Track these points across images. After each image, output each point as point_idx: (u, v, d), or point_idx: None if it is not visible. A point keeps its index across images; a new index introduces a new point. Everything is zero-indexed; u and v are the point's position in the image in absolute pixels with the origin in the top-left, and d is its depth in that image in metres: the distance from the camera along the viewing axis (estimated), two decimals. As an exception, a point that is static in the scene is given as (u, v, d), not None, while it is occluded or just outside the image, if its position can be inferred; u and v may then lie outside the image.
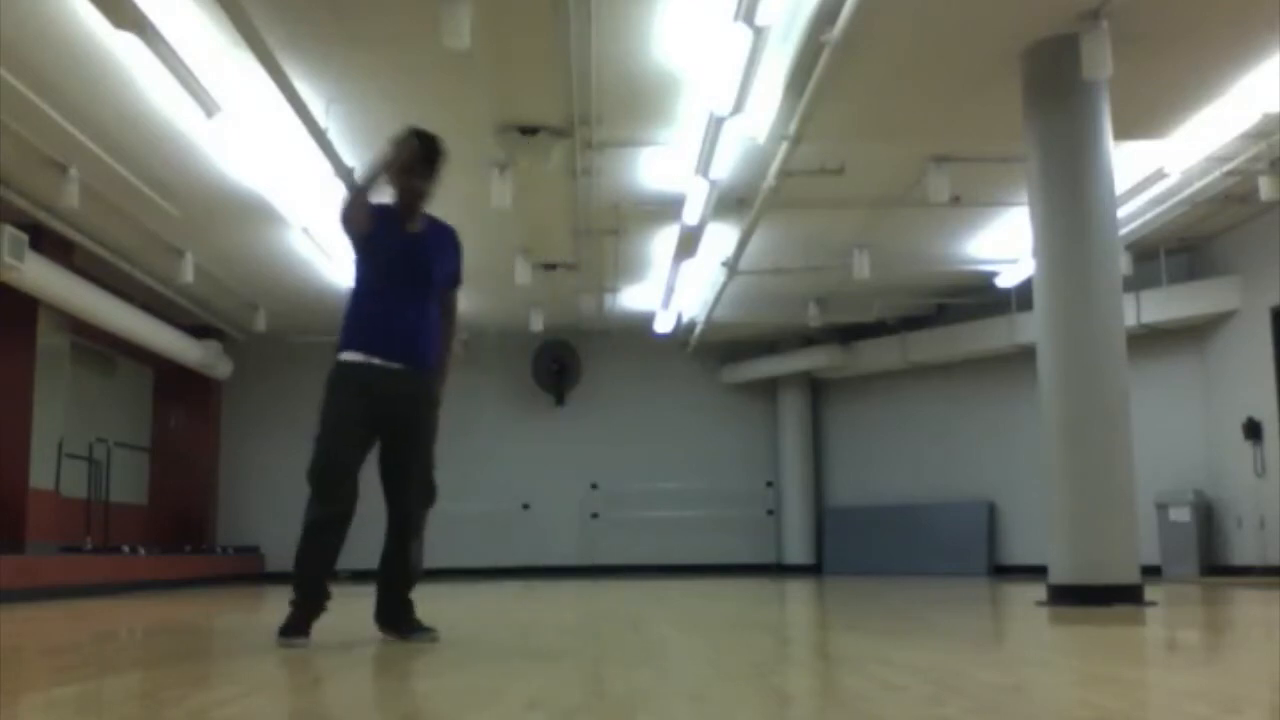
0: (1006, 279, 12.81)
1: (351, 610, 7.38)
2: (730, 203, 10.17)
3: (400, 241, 4.51)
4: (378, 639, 4.65)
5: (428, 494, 4.56)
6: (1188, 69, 7.86)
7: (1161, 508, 12.13)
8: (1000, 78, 7.69)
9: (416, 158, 4.49)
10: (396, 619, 4.56)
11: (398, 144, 4.49)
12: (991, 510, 14.89)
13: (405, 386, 4.42)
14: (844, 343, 16.07)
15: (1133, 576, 6.87)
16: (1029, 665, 3.75)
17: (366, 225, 4.49)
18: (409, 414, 4.45)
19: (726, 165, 8.86)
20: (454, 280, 4.71)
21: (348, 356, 4.42)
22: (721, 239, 11.25)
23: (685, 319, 15.09)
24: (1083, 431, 7.03)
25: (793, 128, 8.01)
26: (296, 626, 4.33)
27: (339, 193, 9.09)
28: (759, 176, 9.25)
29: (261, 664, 3.80)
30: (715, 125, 7.86)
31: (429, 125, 8.86)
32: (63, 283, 10.83)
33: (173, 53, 6.83)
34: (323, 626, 4.50)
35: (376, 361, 4.39)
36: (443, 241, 4.66)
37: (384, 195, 4.61)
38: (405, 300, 4.46)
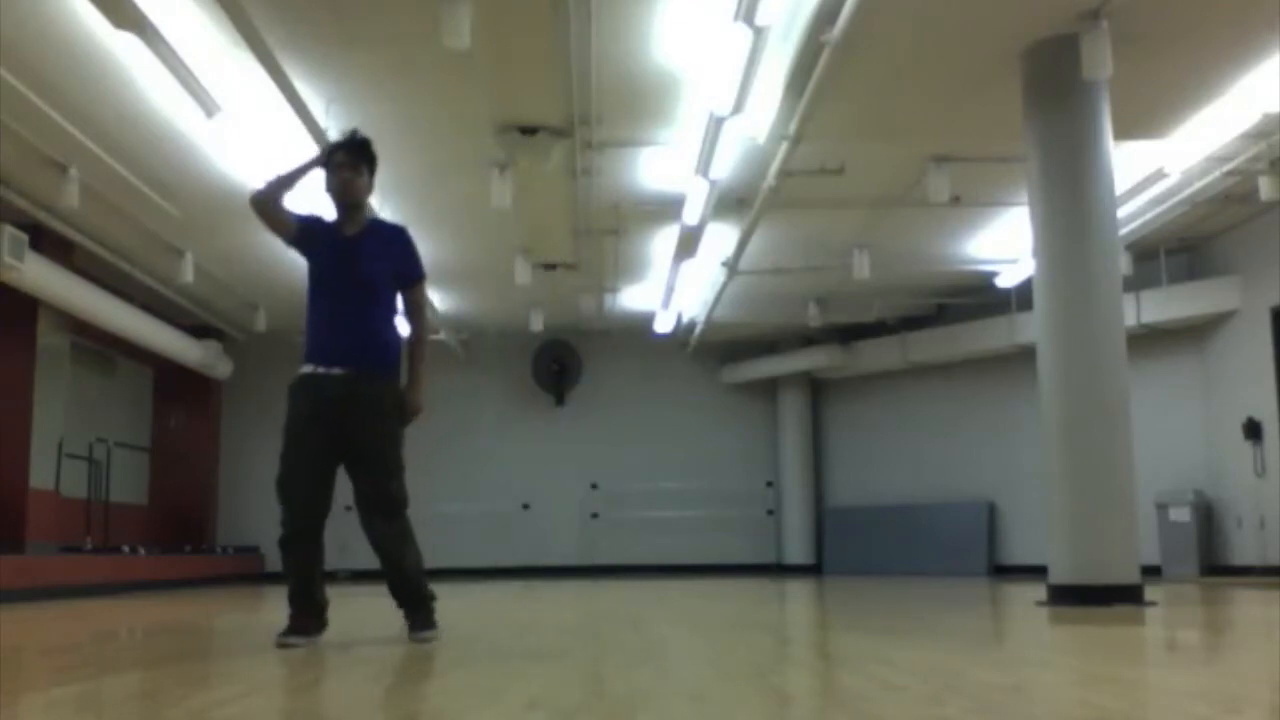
0: (1006, 279, 12.81)
1: (351, 610, 7.38)
2: (730, 203, 10.16)
3: (334, 247, 4.47)
4: (377, 639, 4.65)
5: (385, 503, 4.43)
6: (1188, 69, 7.86)
7: (1161, 508, 12.13)
8: (1000, 78, 7.69)
9: (328, 151, 4.56)
10: (408, 613, 4.53)
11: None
12: (991, 510, 14.89)
13: (348, 390, 4.35)
14: (844, 343, 16.07)
15: (1133, 576, 6.87)
16: (1029, 665, 3.75)
17: (283, 221, 4.53)
18: (354, 418, 4.35)
19: (726, 165, 8.85)
20: (407, 279, 4.60)
21: (301, 369, 4.47)
22: (721, 239, 11.25)
23: (685, 319, 15.09)
24: (1083, 431, 7.03)
25: (793, 128, 8.01)
26: (292, 629, 4.34)
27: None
28: (759, 176, 9.25)
29: (261, 664, 3.80)
30: (715, 125, 7.85)
31: (429, 125, 8.88)
32: (63, 283, 10.83)
33: (173, 53, 6.83)
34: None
35: (320, 370, 4.40)
36: (383, 242, 4.56)
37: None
38: (341, 304, 4.42)
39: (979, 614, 6.87)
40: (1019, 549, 14.23)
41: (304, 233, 4.52)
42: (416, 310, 4.66)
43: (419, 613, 4.49)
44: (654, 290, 13.46)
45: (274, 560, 16.18)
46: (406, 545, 4.49)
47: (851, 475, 16.67)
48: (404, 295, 4.62)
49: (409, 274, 4.61)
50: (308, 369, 4.44)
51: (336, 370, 4.39)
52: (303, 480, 4.34)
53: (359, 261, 4.45)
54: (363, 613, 7.22)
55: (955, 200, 9.60)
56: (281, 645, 4.22)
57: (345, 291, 4.43)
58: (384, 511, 4.45)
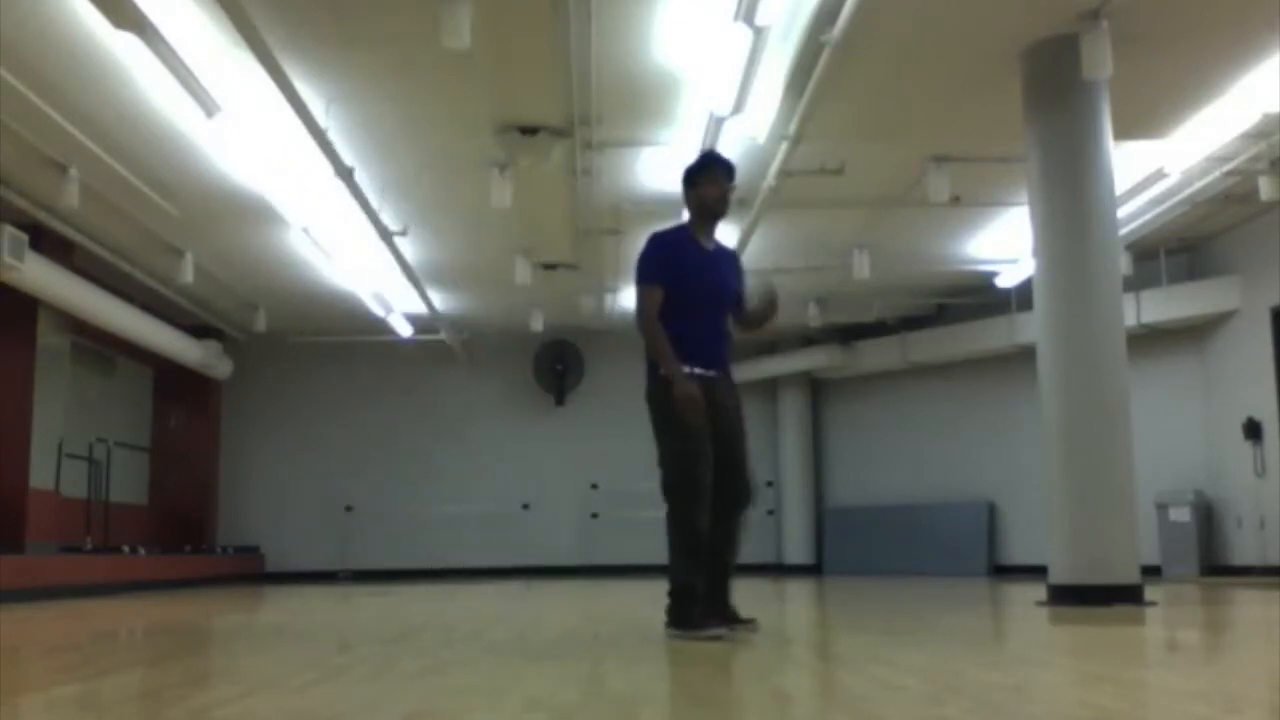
0: (1006, 279, 12.81)
1: (352, 610, 7.40)
2: (730, 202, 10.15)
3: (703, 262, 4.90)
4: (377, 639, 4.65)
5: (747, 495, 4.77)
6: (1188, 69, 7.86)
7: (1161, 508, 12.13)
8: (1000, 78, 7.69)
9: (701, 164, 5.02)
10: (726, 607, 4.68)
11: (680, 400, 4.61)
12: (991, 510, 14.89)
13: (721, 392, 4.78)
14: (844, 343, 16.07)
15: (1133, 576, 6.87)
16: (1029, 665, 3.75)
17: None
18: (724, 417, 4.77)
19: (726, 165, 8.85)
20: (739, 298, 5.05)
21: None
22: (721, 239, 11.23)
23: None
24: (1083, 431, 7.03)
25: (793, 128, 8.01)
26: (714, 620, 4.54)
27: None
28: (759, 176, 9.25)
29: (262, 664, 3.81)
30: (715, 125, 7.86)
31: (429, 125, 8.87)
32: (63, 283, 10.83)
33: (173, 53, 6.83)
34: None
35: (699, 372, 4.73)
36: (729, 261, 5.04)
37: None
38: (714, 314, 4.92)
39: (979, 614, 6.87)
40: (1019, 549, 14.23)
41: (670, 272, 4.79)
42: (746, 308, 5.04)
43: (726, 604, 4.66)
44: (654, 290, 13.43)
45: (274, 560, 16.36)
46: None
47: (851, 475, 16.66)
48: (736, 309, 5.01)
49: (740, 294, 5.06)
50: (690, 370, 4.69)
51: (713, 373, 4.77)
52: (709, 469, 4.59)
53: (725, 278, 4.94)
54: (361, 612, 7.23)
55: (955, 200, 9.60)
56: (716, 638, 4.37)
57: (717, 301, 4.87)
58: (744, 503, 4.73)
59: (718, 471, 4.60)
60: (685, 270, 4.76)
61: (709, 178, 4.82)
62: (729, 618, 4.62)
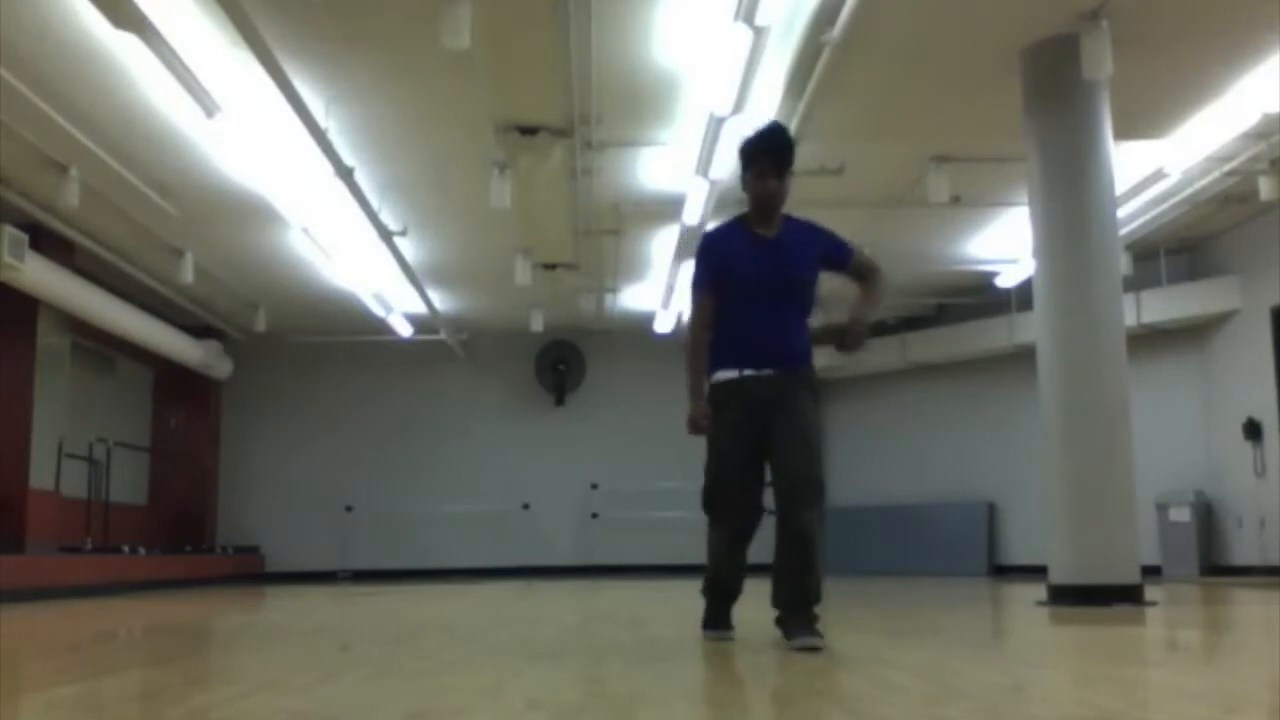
0: (1006, 279, 12.81)
1: (352, 610, 7.40)
2: (730, 203, 10.15)
3: (761, 251, 4.40)
4: (378, 639, 4.65)
5: (814, 488, 4.18)
6: (1188, 69, 7.87)
7: (1161, 508, 12.13)
8: (1000, 77, 7.69)
9: (749, 150, 4.44)
10: (791, 617, 4.13)
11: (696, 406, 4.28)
12: (991, 510, 14.89)
13: (777, 389, 4.23)
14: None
15: (1133, 576, 6.87)
16: (1029, 665, 3.75)
17: (714, 311, 4.36)
18: (782, 410, 4.24)
19: (726, 165, 8.84)
20: (843, 260, 4.50)
21: (724, 375, 4.30)
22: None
23: (686, 319, 15.07)
24: (1083, 431, 7.03)
25: (793, 128, 8.00)
26: (722, 623, 4.49)
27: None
28: (759, 177, 9.25)
29: (262, 664, 3.81)
30: (715, 125, 7.86)
31: (429, 125, 8.87)
32: (63, 283, 10.84)
33: (173, 53, 6.83)
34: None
35: (749, 373, 4.25)
36: (804, 237, 4.50)
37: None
38: (774, 306, 4.35)
39: (979, 614, 6.87)
40: (1019, 549, 14.22)
41: (722, 273, 4.37)
42: (870, 270, 4.53)
43: (805, 616, 4.09)
44: (654, 290, 13.46)
45: (274, 560, 16.37)
46: (821, 537, 4.24)
47: (852, 475, 16.62)
48: (851, 270, 4.51)
49: (841, 254, 4.52)
50: (733, 374, 4.27)
51: (767, 372, 4.24)
52: (745, 483, 4.26)
53: (791, 263, 4.38)
54: (358, 612, 7.23)
55: (955, 200, 9.60)
56: (721, 639, 4.33)
57: (779, 293, 4.34)
58: (796, 498, 4.16)
59: (773, 472, 4.20)
60: (734, 264, 4.32)
61: (755, 171, 4.37)
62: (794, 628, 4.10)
